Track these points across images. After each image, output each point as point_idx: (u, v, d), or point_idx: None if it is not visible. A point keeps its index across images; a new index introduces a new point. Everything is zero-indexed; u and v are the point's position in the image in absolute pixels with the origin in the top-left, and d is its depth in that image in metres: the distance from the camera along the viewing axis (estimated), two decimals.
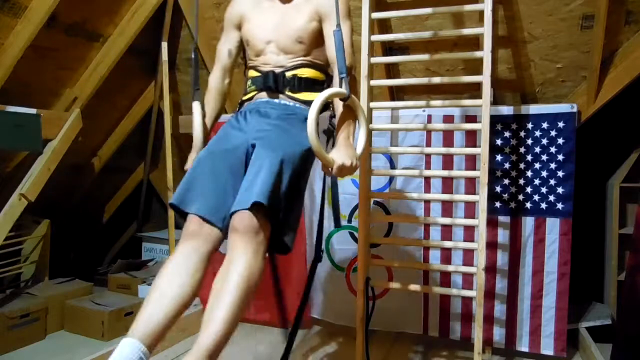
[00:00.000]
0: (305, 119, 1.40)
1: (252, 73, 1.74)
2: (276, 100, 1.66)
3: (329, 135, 1.70)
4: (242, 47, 1.83)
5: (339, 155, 1.45)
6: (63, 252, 3.61)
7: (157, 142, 3.68)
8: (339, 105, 1.58)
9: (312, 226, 2.89)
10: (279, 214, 1.39)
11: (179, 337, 2.84)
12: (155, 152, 3.75)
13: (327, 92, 1.46)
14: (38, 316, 2.85)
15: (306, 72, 1.68)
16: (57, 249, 3.43)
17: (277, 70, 1.67)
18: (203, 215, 1.42)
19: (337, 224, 2.40)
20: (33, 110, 2.67)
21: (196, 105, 1.69)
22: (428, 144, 2.58)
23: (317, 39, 1.67)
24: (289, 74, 1.66)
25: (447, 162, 2.56)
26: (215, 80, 1.82)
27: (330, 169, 1.46)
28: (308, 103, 1.54)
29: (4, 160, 2.93)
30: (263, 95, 1.69)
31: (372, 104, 2.42)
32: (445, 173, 2.51)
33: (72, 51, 2.83)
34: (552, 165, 2.43)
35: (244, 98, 1.75)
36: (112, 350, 1.20)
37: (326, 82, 1.73)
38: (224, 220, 1.41)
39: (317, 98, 1.41)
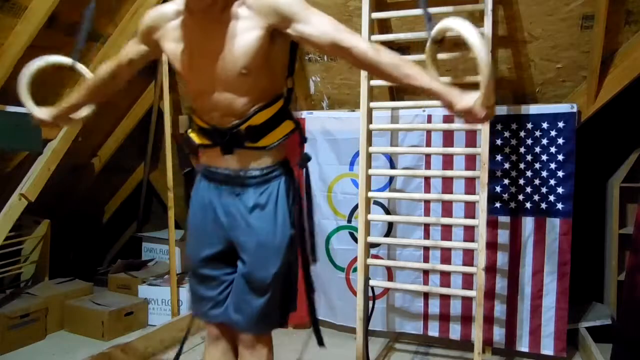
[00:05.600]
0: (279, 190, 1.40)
1: (196, 119, 1.45)
2: (241, 173, 1.39)
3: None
4: (146, 62, 1.52)
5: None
6: (63, 252, 3.60)
7: (157, 142, 3.68)
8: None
9: (312, 226, 2.88)
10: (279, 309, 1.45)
11: (178, 337, 2.83)
12: (155, 152, 3.74)
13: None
14: (38, 316, 2.84)
15: (262, 117, 1.35)
16: (57, 249, 3.42)
17: (223, 126, 1.36)
18: (216, 322, 1.49)
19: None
20: None
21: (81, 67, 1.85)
22: (428, 144, 2.59)
23: (263, 61, 1.29)
24: (241, 127, 1.35)
25: (447, 162, 2.56)
26: (103, 71, 1.54)
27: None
28: (274, 146, 1.39)
29: (4, 160, 2.93)
30: (219, 158, 1.41)
31: (372, 104, 2.42)
32: (445, 173, 2.52)
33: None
34: (552, 165, 2.43)
35: (199, 142, 1.44)
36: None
37: (284, 104, 1.40)
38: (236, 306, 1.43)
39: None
